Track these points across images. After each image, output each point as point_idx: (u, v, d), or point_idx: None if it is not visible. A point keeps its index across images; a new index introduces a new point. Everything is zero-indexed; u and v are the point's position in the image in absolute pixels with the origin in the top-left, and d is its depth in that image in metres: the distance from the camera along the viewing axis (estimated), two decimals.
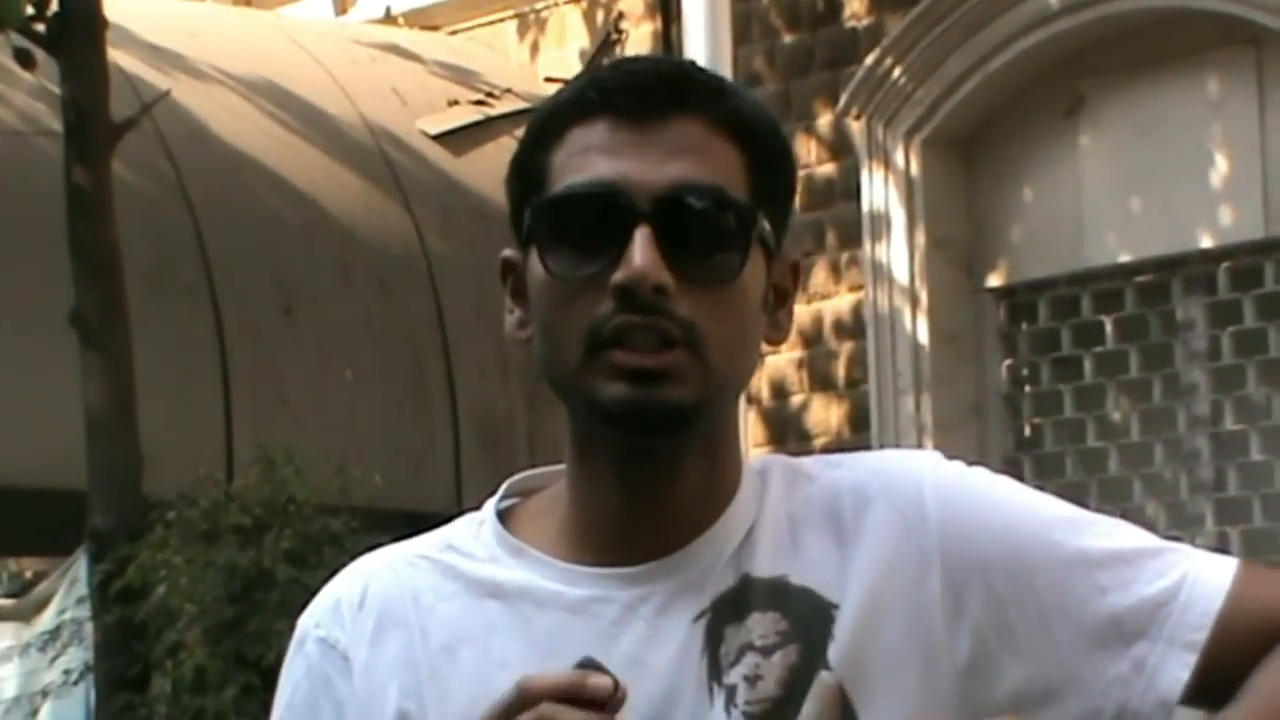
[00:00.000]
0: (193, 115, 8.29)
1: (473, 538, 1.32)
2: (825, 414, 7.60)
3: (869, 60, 7.39)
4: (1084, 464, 7.17)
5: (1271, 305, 6.77)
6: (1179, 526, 6.87)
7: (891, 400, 7.39)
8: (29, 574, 9.11)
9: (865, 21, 7.57)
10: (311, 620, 1.33)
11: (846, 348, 7.57)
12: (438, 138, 8.65)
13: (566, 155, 1.24)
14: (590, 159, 1.23)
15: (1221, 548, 6.89)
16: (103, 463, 6.99)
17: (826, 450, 6.94)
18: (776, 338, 1.31)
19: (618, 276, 1.19)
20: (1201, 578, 1.25)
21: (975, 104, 7.36)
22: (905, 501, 1.26)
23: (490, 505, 1.34)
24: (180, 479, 6.98)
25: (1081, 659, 1.24)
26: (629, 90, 1.24)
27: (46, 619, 7.55)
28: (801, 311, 7.57)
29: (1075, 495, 7.77)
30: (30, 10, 7.28)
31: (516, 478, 1.36)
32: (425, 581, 1.30)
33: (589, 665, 1.16)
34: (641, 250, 1.18)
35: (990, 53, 7.20)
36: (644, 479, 1.25)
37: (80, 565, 7.22)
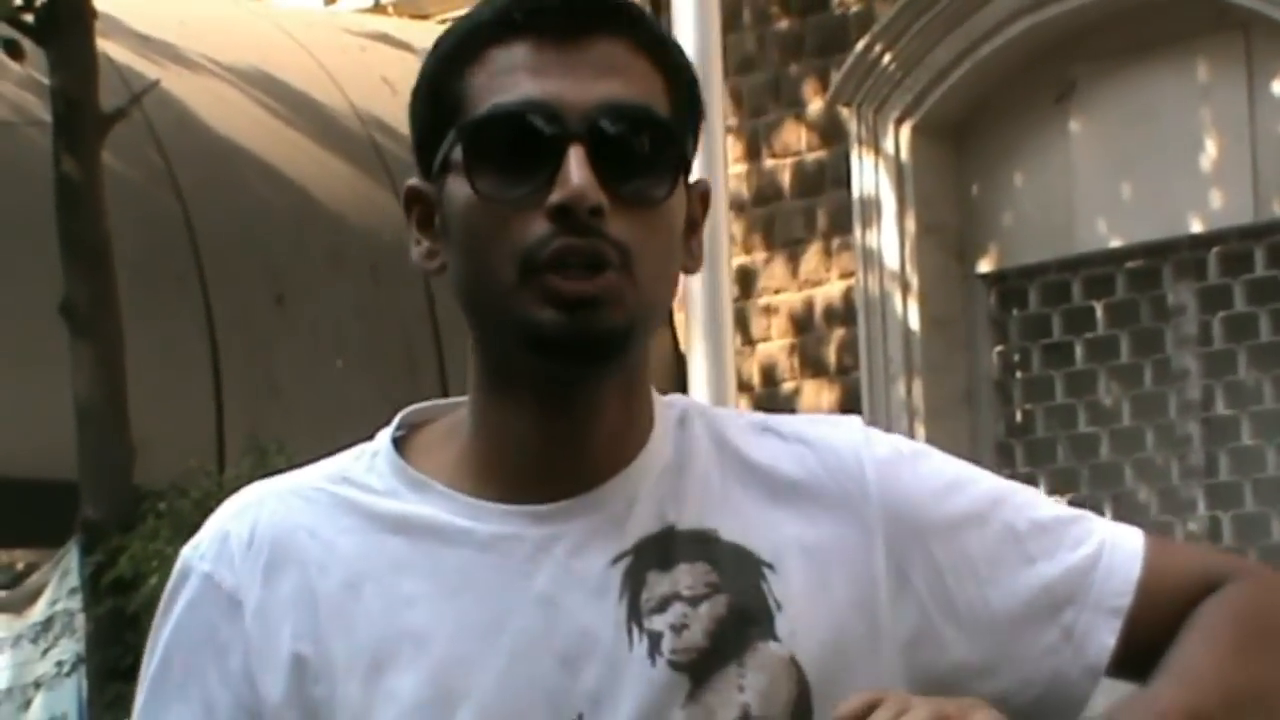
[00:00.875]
0: (183, 105, 8.29)
1: (367, 469, 1.26)
2: (816, 400, 7.61)
3: (859, 47, 7.40)
4: (1075, 450, 7.19)
5: (1261, 289, 6.79)
6: (1170, 511, 6.90)
7: (883, 386, 7.40)
8: (20, 565, 9.09)
9: (855, 8, 7.58)
10: (196, 553, 1.26)
11: (837, 334, 7.58)
12: None
13: (488, 76, 1.21)
14: (516, 79, 1.20)
15: (1214, 533, 6.92)
16: (93, 453, 6.99)
17: None
18: (693, 267, 1.28)
19: (555, 197, 1.16)
20: (1118, 545, 1.27)
21: (966, 90, 7.38)
22: (845, 475, 1.25)
23: (385, 435, 1.28)
24: (171, 469, 6.98)
25: (1016, 629, 1.25)
26: (552, 10, 1.21)
27: (38, 611, 7.55)
28: (793, 298, 7.59)
29: (1067, 480, 7.79)
30: (19, 1, 7.30)
31: (410, 409, 1.31)
32: (320, 516, 1.24)
33: None
34: (577, 170, 1.16)
35: (980, 39, 7.21)
36: (566, 412, 1.22)
37: (72, 556, 7.22)
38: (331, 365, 8.01)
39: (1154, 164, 6.99)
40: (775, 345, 7.60)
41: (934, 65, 7.31)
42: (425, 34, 9.31)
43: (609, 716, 1.19)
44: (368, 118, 8.56)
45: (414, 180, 1.27)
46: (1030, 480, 6.54)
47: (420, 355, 8.29)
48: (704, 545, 1.22)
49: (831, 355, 7.66)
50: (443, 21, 9.40)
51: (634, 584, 1.21)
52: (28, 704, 7.48)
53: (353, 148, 8.45)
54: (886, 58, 7.34)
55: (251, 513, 1.25)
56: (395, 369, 8.18)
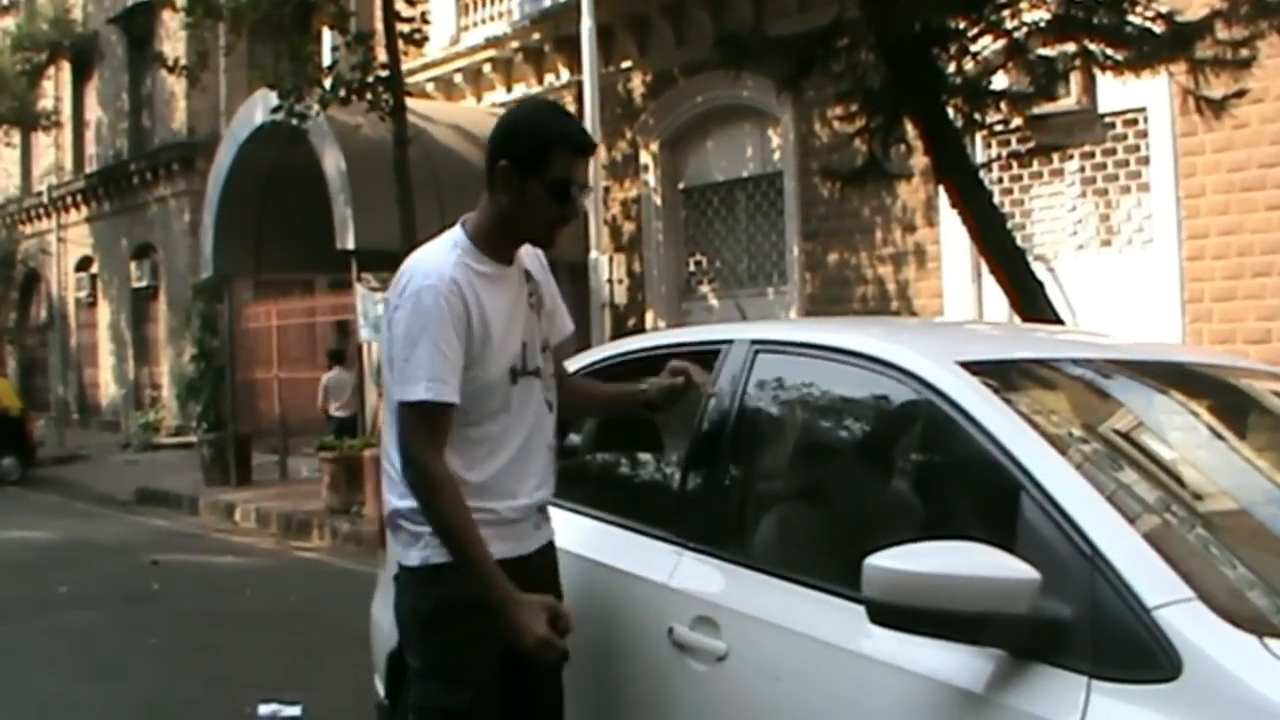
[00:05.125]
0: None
1: (465, 253, 3.81)
2: None
3: None
4: None
5: None
6: None
7: None
8: None
9: None
10: (429, 284, 3.73)
11: None
12: None
13: (563, 162, 3.78)
14: (574, 167, 3.81)
15: None
16: None
17: None
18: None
19: (573, 210, 3.84)
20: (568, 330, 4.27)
21: None
22: (541, 265, 4.16)
23: (461, 234, 3.90)
24: None
25: (558, 323, 4.22)
26: (588, 145, 3.86)
27: None
28: None
29: None
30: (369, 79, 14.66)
31: (463, 218, 3.94)
32: (462, 275, 3.78)
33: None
34: (579, 203, 3.85)
35: None
36: (514, 249, 3.93)
37: None
38: None
39: None
40: None
41: None
42: None
43: (532, 328, 4.00)
44: None
45: (505, 161, 3.83)
46: None
47: None
48: (531, 280, 4.07)
49: None
50: None
51: (527, 288, 4.03)
52: None
53: None
54: None
55: (446, 272, 3.78)
56: None
